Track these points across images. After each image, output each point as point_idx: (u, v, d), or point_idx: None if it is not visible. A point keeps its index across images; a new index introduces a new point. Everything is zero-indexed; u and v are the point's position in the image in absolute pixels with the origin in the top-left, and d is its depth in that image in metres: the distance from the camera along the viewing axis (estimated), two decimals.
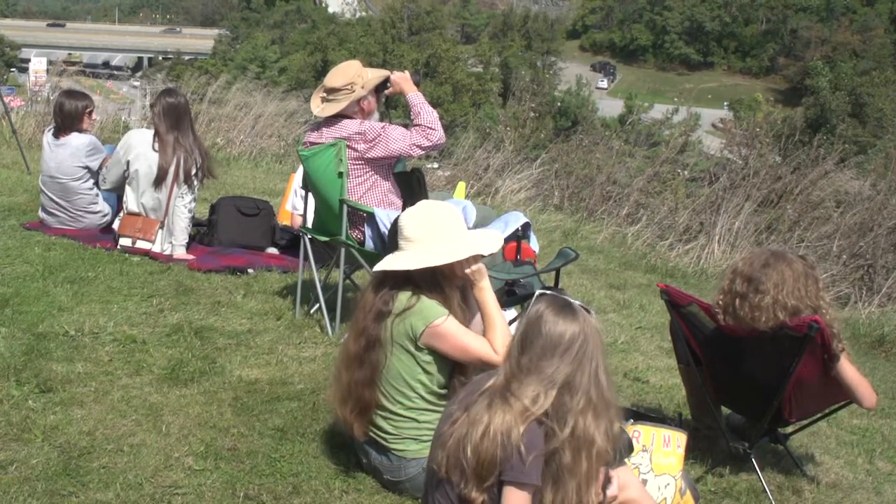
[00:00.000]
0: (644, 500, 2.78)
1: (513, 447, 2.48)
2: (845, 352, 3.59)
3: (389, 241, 4.39)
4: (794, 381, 3.55)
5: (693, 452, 3.68)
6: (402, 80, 4.75)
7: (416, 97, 4.68)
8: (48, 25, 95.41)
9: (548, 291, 2.67)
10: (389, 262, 3.22)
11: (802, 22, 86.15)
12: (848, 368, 3.58)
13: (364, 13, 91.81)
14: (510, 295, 4.11)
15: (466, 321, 3.26)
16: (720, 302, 3.69)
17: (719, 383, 3.85)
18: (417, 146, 4.62)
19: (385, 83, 4.77)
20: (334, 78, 4.69)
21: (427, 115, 4.63)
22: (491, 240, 3.33)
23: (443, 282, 3.21)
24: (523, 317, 2.62)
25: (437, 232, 3.20)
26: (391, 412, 3.24)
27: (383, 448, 3.28)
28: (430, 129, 4.61)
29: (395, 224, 4.28)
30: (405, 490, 3.28)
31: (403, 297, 3.19)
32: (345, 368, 3.29)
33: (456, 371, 3.24)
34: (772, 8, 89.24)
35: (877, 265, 8.55)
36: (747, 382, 3.73)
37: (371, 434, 3.30)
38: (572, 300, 2.62)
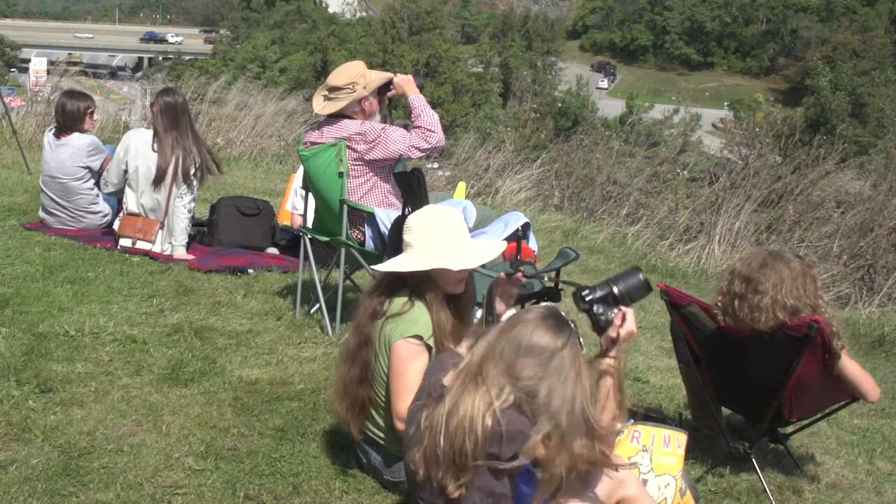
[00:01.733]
0: (643, 499, 2.78)
1: (490, 432, 2.42)
2: (845, 349, 3.59)
3: (390, 242, 4.39)
4: (795, 381, 3.55)
5: (693, 452, 3.69)
6: (405, 82, 4.77)
7: (417, 99, 4.70)
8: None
9: (550, 304, 2.62)
10: (384, 265, 3.27)
11: (802, 22, 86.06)
12: (850, 364, 3.58)
13: (364, 13, 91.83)
14: None
15: (452, 334, 3.21)
16: (719, 303, 3.69)
17: (719, 383, 3.85)
18: (416, 148, 4.63)
19: (388, 85, 4.78)
20: (337, 77, 4.71)
21: (427, 117, 4.64)
22: (482, 253, 3.29)
23: (426, 287, 3.19)
24: (515, 311, 2.58)
25: (432, 239, 3.20)
26: (386, 411, 3.24)
27: (382, 448, 3.29)
28: (430, 131, 4.62)
29: (397, 225, 4.28)
30: (405, 490, 3.28)
31: (399, 302, 3.21)
32: (343, 364, 3.33)
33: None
34: (772, 8, 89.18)
35: (877, 265, 8.56)
36: (747, 383, 3.73)
37: (370, 434, 3.31)
38: (568, 319, 2.55)
